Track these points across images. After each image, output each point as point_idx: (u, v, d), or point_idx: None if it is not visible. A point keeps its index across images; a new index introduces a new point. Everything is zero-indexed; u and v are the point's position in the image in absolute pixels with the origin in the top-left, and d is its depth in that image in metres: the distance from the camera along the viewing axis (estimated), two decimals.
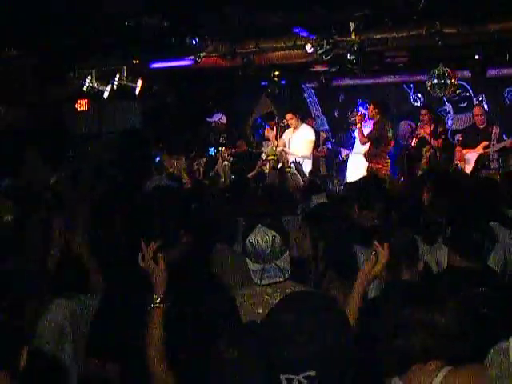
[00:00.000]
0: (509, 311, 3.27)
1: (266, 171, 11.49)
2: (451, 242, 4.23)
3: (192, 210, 5.86)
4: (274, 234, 3.56)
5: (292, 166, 11.01)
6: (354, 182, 7.58)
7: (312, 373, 2.05)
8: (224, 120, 13.78)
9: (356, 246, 4.73)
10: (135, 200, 6.70)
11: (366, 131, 12.47)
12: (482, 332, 2.64)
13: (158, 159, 12.68)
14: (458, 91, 13.36)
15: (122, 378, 3.50)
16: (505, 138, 11.68)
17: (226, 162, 10.85)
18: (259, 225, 3.61)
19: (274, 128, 13.08)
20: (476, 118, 11.81)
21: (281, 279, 3.58)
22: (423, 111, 12.68)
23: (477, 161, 11.22)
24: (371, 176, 9.34)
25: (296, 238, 4.63)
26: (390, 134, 12.19)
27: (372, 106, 12.36)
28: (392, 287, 2.83)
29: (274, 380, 2.08)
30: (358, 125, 12.45)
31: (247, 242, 3.59)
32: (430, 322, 2.61)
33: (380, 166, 11.68)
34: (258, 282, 3.58)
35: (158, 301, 3.21)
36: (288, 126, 12.65)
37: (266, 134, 13.63)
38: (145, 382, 3.17)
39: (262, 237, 3.56)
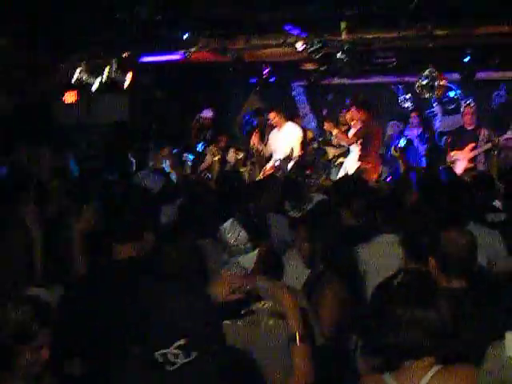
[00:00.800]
0: (497, 309, 3.29)
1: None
2: None
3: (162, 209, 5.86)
4: (242, 230, 3.57)
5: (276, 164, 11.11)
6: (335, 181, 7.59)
7: (182, 341, 2.11)
8: (210, 115, 13.65)
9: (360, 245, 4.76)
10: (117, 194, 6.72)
11: (353, 131, 12.47)
12: (472, 331, 2.66)
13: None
14: (452, 93, 13.49)
15: (83, 372, 3.50)
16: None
17: (216, 158, 10.81)
18: (232, 218, 3.65)
19: (258, 133, 12.82)
20: (465, 117, 11.78)
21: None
22: (413, 114, 12.70)
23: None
24: (351, 175, 9.36)
25: (295, 238, 4.65)
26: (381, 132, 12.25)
27: (355, 110, 12.24)
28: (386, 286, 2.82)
29: (151, 360, 2.13)
30: (334, 131, 12.35)
31: (219, 231, 3.63)
32: (423, 320, 2.63)
33: (370, 166, 11.61)
34: (221, 271, 3.61)
35: (297, 339, 3.10)
36: (273, 126, 12.56)
37: (252, 140, 12.96)
38: (106, 375, 3.18)
39: (229, 230, 3.59)
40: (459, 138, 11.72)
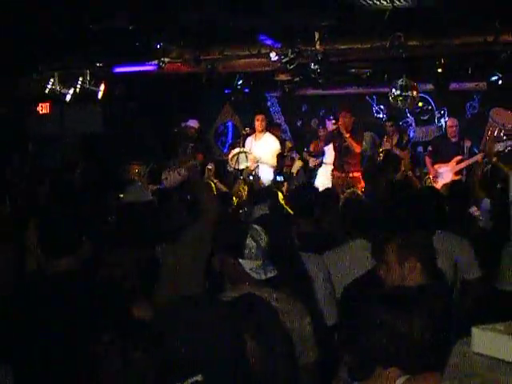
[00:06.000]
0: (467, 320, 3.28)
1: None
2: None
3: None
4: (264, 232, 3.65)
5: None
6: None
7: (199, 377, 2.01)
8: (196, 126, 13.22)
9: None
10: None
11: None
12: (441, 342, 2.63)
13: None
14: (420, 104, 13.53)
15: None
16: (476, 151, 11.85)
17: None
18: (252, 225, 3.72)
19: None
20: (449, 129, 11.84)
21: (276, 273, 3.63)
22: (388, 123, 12.69)
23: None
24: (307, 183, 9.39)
25: None
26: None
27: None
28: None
29: None
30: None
31: (248, 240, 3.61)
32: (393, 326, 2.61)
33: (359, 174, 11.42)
34: (263, 276, 3.57)
35: None
36: (249, 135, 12.50)
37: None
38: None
39: (258, 234, 3.64)
40: (443, 150, 11.75)
